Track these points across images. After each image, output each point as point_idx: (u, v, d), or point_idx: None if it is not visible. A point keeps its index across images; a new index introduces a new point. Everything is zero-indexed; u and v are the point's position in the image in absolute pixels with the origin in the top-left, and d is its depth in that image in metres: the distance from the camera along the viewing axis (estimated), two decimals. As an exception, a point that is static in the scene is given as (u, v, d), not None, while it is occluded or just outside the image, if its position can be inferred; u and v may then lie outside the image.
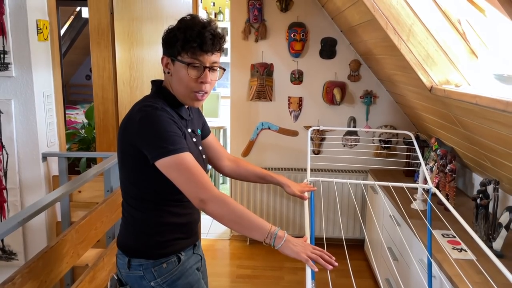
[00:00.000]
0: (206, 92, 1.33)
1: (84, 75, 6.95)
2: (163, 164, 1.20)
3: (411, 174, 2.93)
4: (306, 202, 1.66)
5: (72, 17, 5.70)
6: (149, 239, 1.33)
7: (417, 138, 2.95)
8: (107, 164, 2.13)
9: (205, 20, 1.33)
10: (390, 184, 1.89)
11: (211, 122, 4.54)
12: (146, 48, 3.07)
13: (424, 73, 1.99)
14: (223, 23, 6.60)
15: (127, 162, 1.32)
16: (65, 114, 4.65)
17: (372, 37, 2.37)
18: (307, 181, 1.84)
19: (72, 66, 6.80)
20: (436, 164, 2.51)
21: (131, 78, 3.13)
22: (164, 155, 1.20)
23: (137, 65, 3.10)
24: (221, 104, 5.34)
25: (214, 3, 6.64)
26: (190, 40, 1.27)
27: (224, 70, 1.39)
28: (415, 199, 2.42)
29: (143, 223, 1.34)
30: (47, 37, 2.24)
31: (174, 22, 1.38)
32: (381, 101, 3.20)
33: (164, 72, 1.38)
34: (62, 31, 5.76)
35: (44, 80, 2.25)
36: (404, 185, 1.83)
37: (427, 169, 2.57)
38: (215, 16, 6.63)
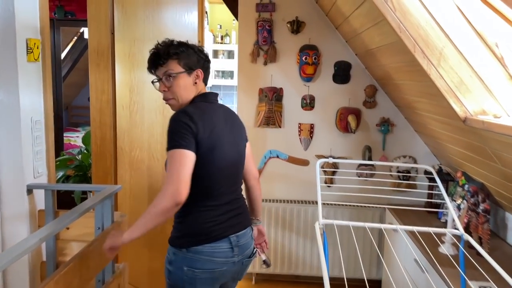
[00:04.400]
0: (169, 99, 1.67)
1: (86, 97, 6.80)
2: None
3: (435, 212, 2.67)
4: (320, 242, 1.44)
5: (75, 38, 5.59)
6: None
7: (439, 171, 2.71)
8: (98, 198, 1.90)
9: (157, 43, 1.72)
10: (415, 229, 1.65)
11: None
12: (147, 70, 2.87)
13: (457, 102, 1.77)
14: (230, 46, 6.47)
15: None
16: (62, 138, 4.48)
17: (394, 61, 2.16)
18: (319, 224, 1.59)
19: (74, 88, 6.66)
20: (466, 202, 2.26)
21: (131, 102, 2.93)
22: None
23: (138, 88, 2.90)
24: None
25: (220, 26, 6.51)
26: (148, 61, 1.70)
27: (172, 76, 1.63)
28: (443, 242, 2.16)
29: None
30: (38, 57, 2.05)
31: None
32: (398, 129, 2.97)
33: None
34: (65, 53, 5.63)
35: (32, 104, 2.04)
36: (431, 230, 1.60)
37: (453, 206, 2.32)
38: (222, 39, 6.50)
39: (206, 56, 1.73)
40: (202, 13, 2.70)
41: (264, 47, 2.96)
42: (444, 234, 2.18)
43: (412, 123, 2.88)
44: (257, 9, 2.93)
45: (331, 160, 2.35)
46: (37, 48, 2.03)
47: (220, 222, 1.60)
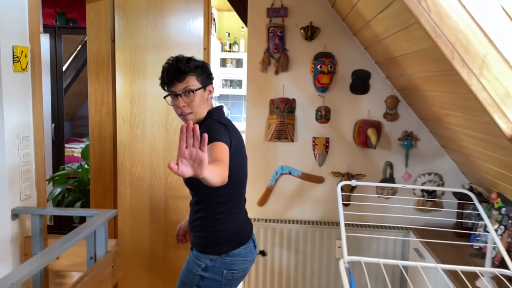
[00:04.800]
0: (187, 114, 1.73)
1: (91, 107, 6.64)
2: None
3: (466, 235, 2.40)
4: (346, 282, 1.22)
5: (80, 46, 5.43)
6: None
7: (469, 191, 2.45)
8: (91, 226, 1.68)
9: (171, 57, 1.76)
10: (458, 268, 1.40)
11: None
12: (149, 80, 2.66)
13: (502, 117, 1.52)
14: (238, 54, 6.27)
15: None
16: (63, 151, 4.24)
17: (424, 70, 1.92)
18: (343, 263, 1.35)
19: (79, 97, 6.48)
20: (504, 228, 2.00)
21: (132, 114, 2.72)
22: None
23: (139, 99, 2.70)
24: None
25: (229, 34, 6.32)
26: (162, 77, 1.74)
27: (194, 91, 1.71)
28: (482, 274, 1.89)
29: None
30: (27, 67, 1.85)
31: (182, 51, 1.76)
32: (423, 144, 2.72)
33: None
34: (69, 62, 5.46)
35: (19, 119, 1.83)
36: (477, 269, 1.35)
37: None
38: (230, 47, 6.30)
39: (211, 72, 1.84)
40: (208, 19, 2.50)
41: (275, 55, 2.74)
42: (479, 259, 1.92)
43: (438, 137, 2.63)
44: (268, 14, 2.71)
45: (354, 183, 2.10)
46: (25, 56, 1.83)
47: (247, 224, 1.87)
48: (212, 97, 1.82)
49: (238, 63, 6.26)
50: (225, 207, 1.73)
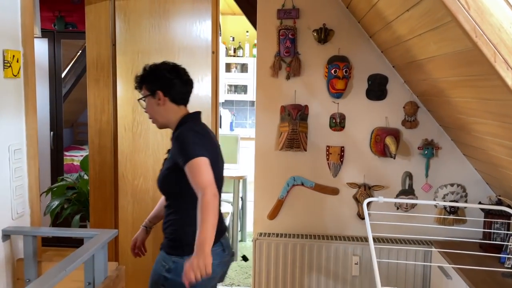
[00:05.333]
0: (152, 121, 1.82)
1: (92, 114, 6.48)
2: None
3: (494, 250, 2.23)
4: None
5: (80, 52, 5.28)
6: None
7: (497, 204, 2.28)
8: (89, 250, 1.50)
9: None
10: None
11: (228, 170, 3.91)
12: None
13: (551, 127, 1.35)
14: (243, 59, 6.12)
15: None
16: (62, 160, 4.01)
17: (453, 74, 1.75)
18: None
19: (79, 104, 6.32)
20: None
21: (134, 123, 2.56)
22: None
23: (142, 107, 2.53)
24: (240, 146, 4.73)
25: (233, 38, 6.18)
26: None
27: (141, 99, 1.81)
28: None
29: None
30: (19, 73, 1.68)
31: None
32: (444, 153, 2.55)
33: None
34: (68, 67, 5.30)
35: (10, 130, 1.67)
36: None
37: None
38: (235, 52, 6.16)
39: (177, 74, 1.77)
40: (216, 21, 2.32)
41: (286, 59, 2.58)
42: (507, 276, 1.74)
43: (461, 146, 2.46)
44: (278, 16, 2.56)
45: (381, 200, 1.92)
46: (17, 61, 1.67)
47: (217, 229, 1.71)
48: (168, 102, 1.73)
49: (243, 68, 6.13)
50: (193, 211, 1.62)
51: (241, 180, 3.87)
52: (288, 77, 2.60)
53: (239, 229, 4.10)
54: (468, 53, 1.46)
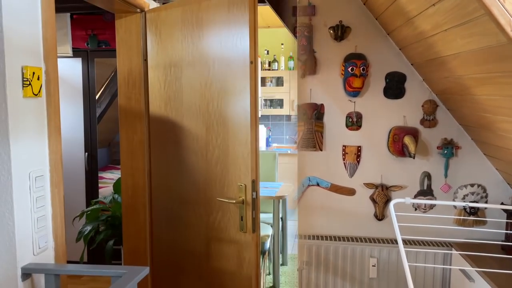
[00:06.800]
0: None
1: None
2: None
3: (518, 254, 2.17)
4: None
5: (114, 70, 5.18)
6: None
7: (521, 204, 2.21)
8: None
9: None
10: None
11: (266, 189, 3.57)
12: (186, 102, 2.30)
13: None
14: (278, 72, 5.87)
15: None
16: (97, 182, 3.85)
17: (481, 71, 1.69)
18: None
19: (115, 123, 6.18)
20: None
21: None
22: None
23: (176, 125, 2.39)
24: (278, 162, 4.03)
25: (268, 51, 5.99)
26: None
27: None
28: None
29: None
30: (40, 91, 1.57)
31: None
32: (464, 153, 2.49)
33: None
34: (103, 86, 5.16)
35: (31, 155, 1.53)
36: None
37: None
38: (269, 66, 5.93)
39: None
40: (254, 28, 2.00)
41: (302, 57, 2.53)
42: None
43: (482, 145, 2.40)
44: (293, 13, 2.51)
45: (408, 201, 1.86)
46: (38, 79, 1.56)
47: None
48: None
49: (278, 81, 5.93)
50: None
51: (280, 200, 3.49)
52: (303, 76, 2.55)
53: (280, 251, 3.65)
54: (499, 49, 1.40)
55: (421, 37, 2.01)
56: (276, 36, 5.90)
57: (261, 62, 5.84)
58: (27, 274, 1.50)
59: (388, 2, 2.09)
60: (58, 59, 1.62)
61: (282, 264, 3.78)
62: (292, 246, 4.16)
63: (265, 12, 4.42)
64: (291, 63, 5.92)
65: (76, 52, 3.77)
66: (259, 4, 2.31)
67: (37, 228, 1.56)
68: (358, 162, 2.56)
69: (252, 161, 1.96)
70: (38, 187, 1.56)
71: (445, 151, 2.46)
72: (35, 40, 1.56)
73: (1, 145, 1.41)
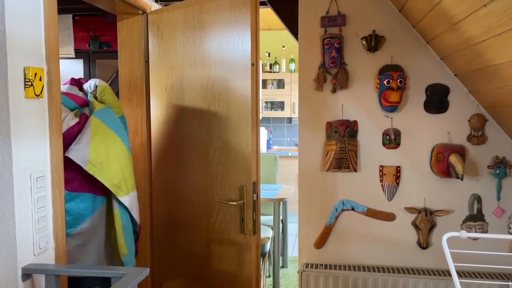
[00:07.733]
0: None
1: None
2: None
3: None
4: None
5: (116, 71, 5.23)
6: None
7: None
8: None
9: None
10: None
11: (267, 191, 3.66)
12: (187, 104, 2.31)
13: None
14: (280, 74, 5.92)
15: None
16: None
17: (544, 80, 1.46)
18: None
19: None
20: None
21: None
22: None
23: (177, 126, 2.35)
24: (279, 164, 4.38)
25: (269, 54, 6.01)
26: None
27: None
28: None
29: None
30: (42, 92, 1.53)
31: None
32: (519, 172, 2.21)
33: None
34: None
35: (32, 156, 1.51)
36: None
37: None
38: (270, 68, 5.98)
39: None
40: (256, 30, 2.04)
41: (332, 70, 2.34)
42: None
43: (541, 164, 2.12)
44: (322, 24, 2.33)
45: (464, 234, 1.61)
46: (40, 80, 1.52)
47: None
48: None
49: (279, 83, 5.94)
50: None
51: (281, 202, 3.61)
52: (334, 90, 2.35)
53: (280, 254, 3.82)
54: None
55: (467, 44, 1.78)
56: (277, 39, 5.83)
57: (262, 64, 5.85)
58: (27, 274, 1.48)
59: (428, 7, 1.88)
60: (60, 60, 1.63)
61: (282, 267, 3.86)
62: (292, 249, 4.36)
63: (267, 14, 4.37)
64: (292, 66, 5.91)
65: (77, 53, 3.80)
66: (260, 6, 2.24)
67: (37, 228, 1.53)
68: (398, 184, 2.32)
69: (252, 163, 1.94)
70: (39, 188, 1.53)
71: (497, 171, 2.19)
72: (37, 41, 1.53)
73: (2, 146, 1.40)
